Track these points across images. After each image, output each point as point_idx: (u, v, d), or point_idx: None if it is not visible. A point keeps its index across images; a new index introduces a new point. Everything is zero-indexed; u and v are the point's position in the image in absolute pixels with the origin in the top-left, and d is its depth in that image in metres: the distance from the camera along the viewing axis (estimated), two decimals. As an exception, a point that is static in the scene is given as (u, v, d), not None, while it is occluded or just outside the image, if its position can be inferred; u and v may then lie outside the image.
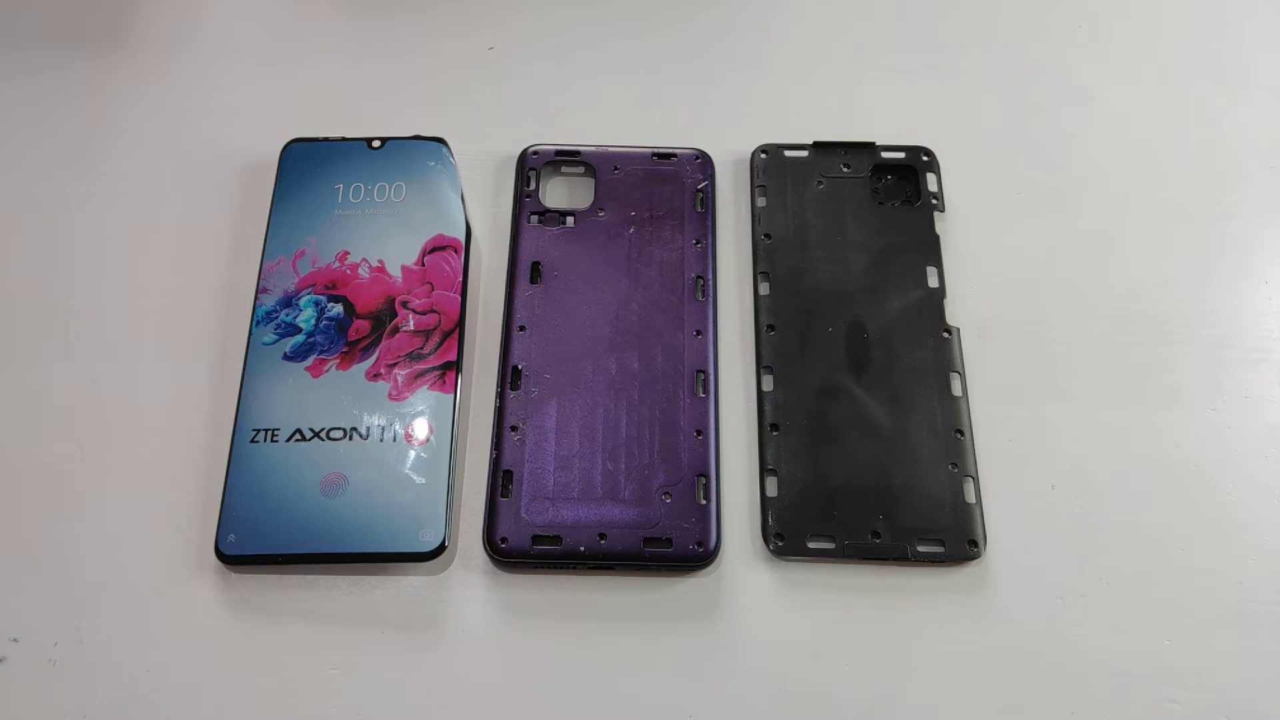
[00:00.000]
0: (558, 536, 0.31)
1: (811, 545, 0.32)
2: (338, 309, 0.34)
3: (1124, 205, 0.39)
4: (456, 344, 0.34)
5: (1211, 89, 0.42)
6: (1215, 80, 0.42)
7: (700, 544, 0.31)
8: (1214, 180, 0.40)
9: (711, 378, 0.34)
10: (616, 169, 0.38)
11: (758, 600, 0.31)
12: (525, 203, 0.37)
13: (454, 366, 0.33)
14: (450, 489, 0.32)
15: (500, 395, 0.34)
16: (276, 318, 0.34)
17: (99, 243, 0.37)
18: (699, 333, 0.35)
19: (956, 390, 0.34)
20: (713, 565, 0.32)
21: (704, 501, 0.32)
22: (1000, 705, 0.30)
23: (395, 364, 0.33)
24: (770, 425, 0.33)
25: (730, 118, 0.40)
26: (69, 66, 0.41)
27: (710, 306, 0.35)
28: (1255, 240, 0.38)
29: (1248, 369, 0.36)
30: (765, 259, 0.37)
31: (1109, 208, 0.39)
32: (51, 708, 0.30)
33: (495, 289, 0.36)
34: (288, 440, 0.32)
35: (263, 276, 0.35)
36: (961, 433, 0.33)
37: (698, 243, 0.37)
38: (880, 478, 0.32)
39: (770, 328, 0.35)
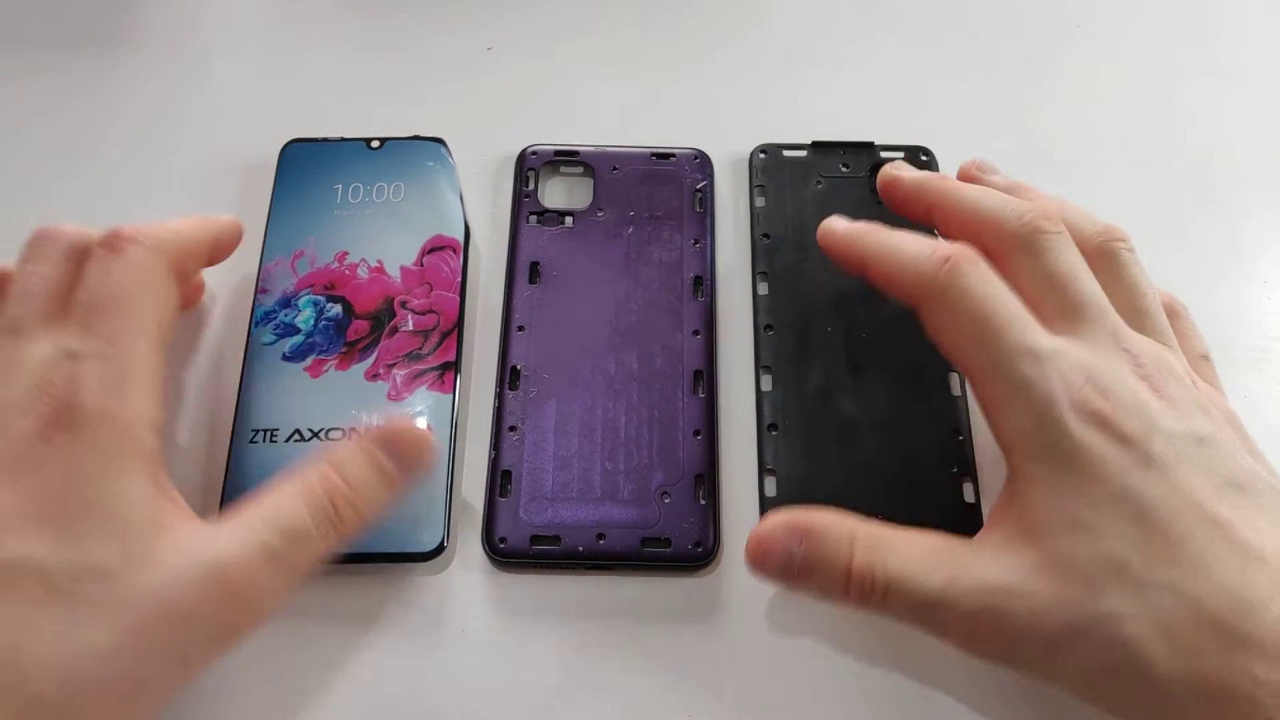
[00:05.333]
0: (556, 536, 0.31)
1: (810, 545, 0.32)
2: (336, 309, 0.34)
3: (1124, 205, 0.39)
4: (455, 344, 0.34)
5: (1211, 89, 0.42)
6: (1215, 80, 0.42)
7: (699, 544, 0.31)
8: (1214, 180, 0.40)
9: (710, 377, 0.34)
10: (615, 169, 0.38)
11: (757, 600, 0.31)
12: (524, 203, 0.37)
13: (453, 367, 0.33)
14: (450, 489, 0.32)
15: (499, 395, 0.34)
16: (275, 318, 0.34)
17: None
18: (697, 333, 0.35)
19: (956, 390, 0.34)
20: (712, 565, 0.32)
21: (702, 502, 0.32)
22: (1001, 704, 0.30)
23: (394, 364, 0.33)
24: (769, 425, 0.33)
25: (729, 118, 0.40)
26: (68, 65, 0.42)
27: (709, 306, 0.35)
28: (1255, 240, 0.38)
29: (1248, 369, 0.36)
30: (764, 259, 0.36)
31: (1109, 207, 0.39)
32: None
33: (494, 289, 0.36)
34: (286, 441, 0.32)
35: (262, 277, 0.35)
36: (960, 433, 0.33)
37: (696, 243, 0.37)
38: (879, 478, 0.32)
39: (769, 327, 0.35)
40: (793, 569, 0.27)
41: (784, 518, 0.28)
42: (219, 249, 0.32)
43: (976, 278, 0.28)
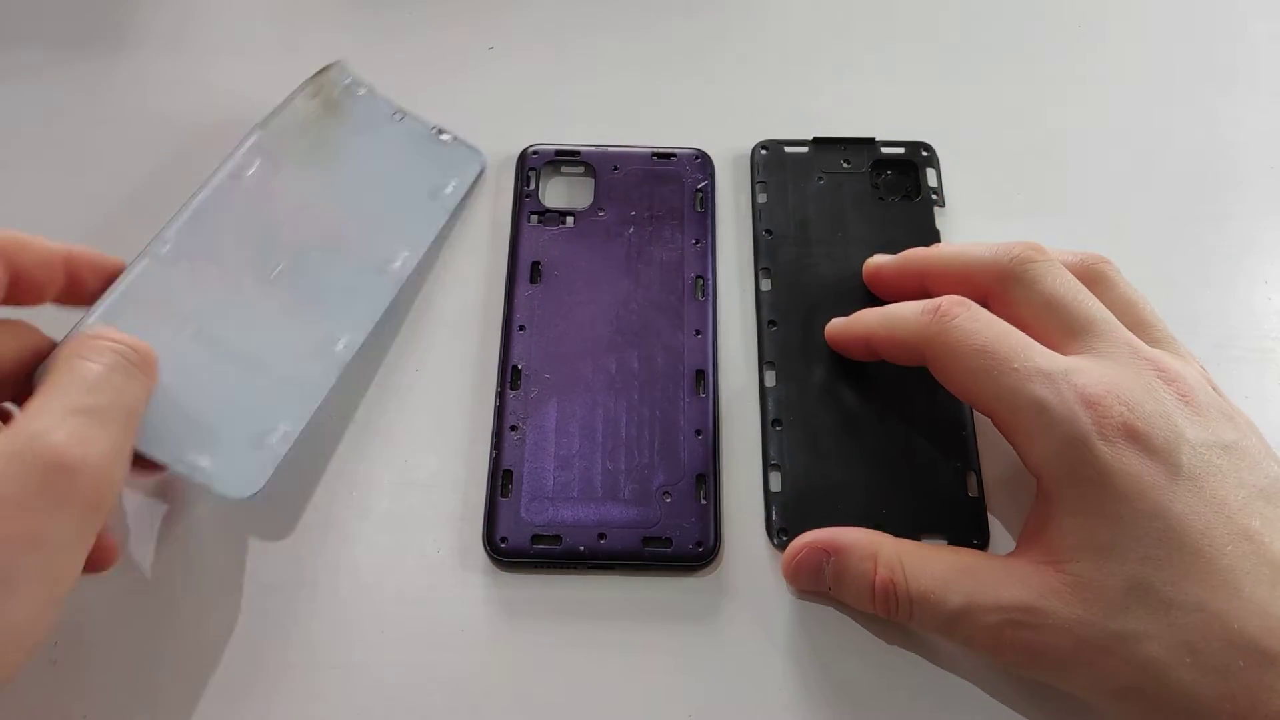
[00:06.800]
0: (558, 536, 0.31)
1: (814, 542, 0.32)
2: None
3: (1124, 205, 0.39)
4: None
5: (1211, 89, 0.42)
6: (1215, 80, 0.42)
7: (699, 544, 0.31)
8: (1214, 180, 0.40)
9: (711, 377, 0.34)
10: (616, 169, 0.38)
11: (757, 600, 0.31)
12: (525, 202, 0.37)
13: None
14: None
15: (500, 395, 0.34)
16: None
17: (98, 238, 0.37)
18: (699, 332, 0.35)
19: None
20: (712, 565, 0.32)
21: (704, 501, 0.32)
22: (1002, 697, 0.30)
23: None
24: (773, 421, 0.33)
25: (731, 114, 0.40)
26: (68, 65, 0.41)
27: (710, 306, 0.35)
28: (1255, 240, 0.38)
29: (1248, 369, 0.36)
30: (766, 255, 0.36)
31: (1109, 208, 0.39)
32: (51, 707, 0.30)
33: (495, 288, 0.36)
34: None
35: None
36: (964, 427, 0.33)
37: (697, 242, 0.37)
38: (884, 472, 0.32)
39: (772, 323, 0.35)
40: (824, 582, 0.29)
41: (815, 535, 0.30)
42: (76, 263, 0.29)
43: (968, 316, 0.28)
